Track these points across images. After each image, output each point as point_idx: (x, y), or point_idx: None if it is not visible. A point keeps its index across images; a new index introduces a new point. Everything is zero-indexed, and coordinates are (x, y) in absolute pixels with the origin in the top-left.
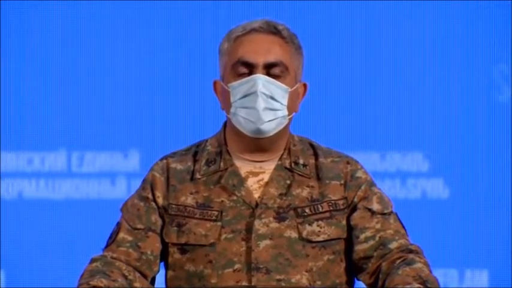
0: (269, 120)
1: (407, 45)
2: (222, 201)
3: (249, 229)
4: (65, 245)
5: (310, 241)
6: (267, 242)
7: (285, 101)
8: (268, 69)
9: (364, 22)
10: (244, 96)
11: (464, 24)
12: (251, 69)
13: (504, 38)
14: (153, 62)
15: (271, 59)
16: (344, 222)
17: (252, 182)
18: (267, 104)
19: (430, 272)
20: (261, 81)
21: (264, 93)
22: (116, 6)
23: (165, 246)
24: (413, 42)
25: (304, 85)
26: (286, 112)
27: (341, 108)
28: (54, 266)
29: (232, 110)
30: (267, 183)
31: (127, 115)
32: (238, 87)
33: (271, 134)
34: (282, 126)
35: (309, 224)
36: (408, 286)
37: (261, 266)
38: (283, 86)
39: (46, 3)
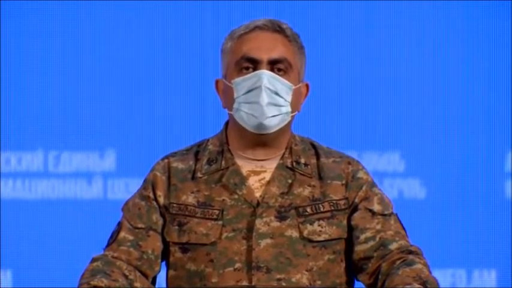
0: (272, 116)
1: (387, 45)
2: (223, 200)
3: (250, 228)
4: (41, 245)
5: (311, 240)
6: (268, 241)
7: (289, 98)
8: (273, 65)
9: (362, 22)
10: (248, 91)
11: (438, 26)
12: (255, 65)
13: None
14: (132, 62)
15: (275, 55)
16: (345, 222)
17: (253, 181)
18: (271, 99)
19: (430, 272)
20: (266, 76)
21: (269, 88)
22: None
23: (166, 245)
24: (395, 42)
25: (307, 85)
26: (289, 109)
27: (316, 107)
28: (31, 266)
29: (235, 105)
30: (268, 182)
31: (103, 115)
32: (242, 83)
33: (274, 130)
34: (284, 123)
35: (310, 224)
36: (408, 286)
37: (262, 265)
38: (288, 82)
39: (46, 3)
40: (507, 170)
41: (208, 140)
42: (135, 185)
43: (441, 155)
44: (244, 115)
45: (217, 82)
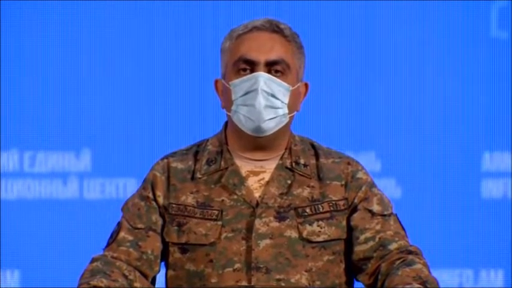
0: (269, 119)
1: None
2: (223, 200)
3: (250, 228)
4: (16, 245)
5: (310, 241)
6: (267, 241)
7: (286, 99)
8: (270, 67)
9: (361, 22)
10: (246, 93)
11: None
12: (253, 66)
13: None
14: (105, 62)
15: (273, 56)
16: (344, 223)
17: (252, 181)
18: (267, 101)
19: (430, 272)
20: (263, 78)
21: (265, 91)
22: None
23: (165, 245)
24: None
25: (306, 85)
26: (286, 110)
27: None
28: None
29: (233, 107)
30: (267, 183)
31: (78, 115)
32: (239, 85)
33: (271, 132)
34: (282, 125)
35: (309, 224)
36: (408, 286)
37: (261, 266)
38: (285, 84)
39: (46, 3)
40: (483, 169)
41: (207, 140)
42: (110, 185)
43: (416, 155)
44: (242, 118)
45: (216, 82)
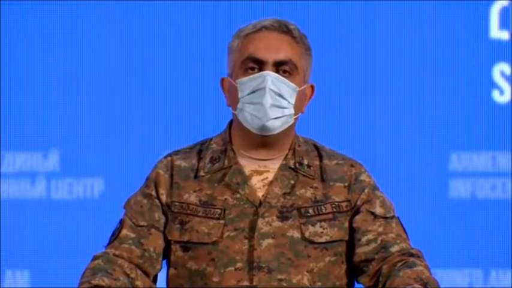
0: (275, 118)
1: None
2: (226, 199)
3: (252, 227)
4: None
5: (312, 242)
6: (270, 241)
7: (293, 100)
8: (278, 66)
9: (362, 22)
10: (253, 92)
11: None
12: (261, 66)
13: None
14: (78, 62)
15: (281, 56)
16: (346, 224)
17: (256, 181)
18: (274, 101)
19: (431, 274)
20: (271, 78)
21: (273, 90)
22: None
23: (167, 243)
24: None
25: (312, 87)
26: (292, 111)
27: None
28: None
29: (239, 105)
30: (271, 182)
31: (46, 115)
32: (246, 83)
33: (277, 131)
34: (287, 125)
35: (312, 225)
36: (409, 287)
37: (263, 265)
38: (292, 84)
39: (46, 3)
40: (451, 169)
41: (211, 139)
42: (78, 185)
43: (384, 155)
44: (248, 116)
45: (222, 80)
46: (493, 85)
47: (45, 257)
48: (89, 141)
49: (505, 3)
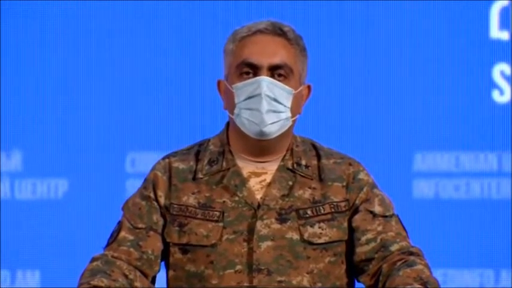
0: (272, 123)
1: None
2: (224, 201)
3: (251, 230)
4: None
5: (311, 243)
6: (269, 243)
7: (289, 103)
8: (273, 71)
9: (362, 22)
10: (249, 97)
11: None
12: (255, 70)
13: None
14: (46, 61)
15: (276, 61)
16: (345, 224)
17: (254, 183)
18: (270, 106)
19: (431, 273)
20: (266, 83)
21: (268, 96)
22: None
23: (166, 246)
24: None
25: (308, 87)
26: (289, 114)
27: None
28: None
29: (236, 111)
30: (269, 184)
31: (9, 115)
32: (242, 88)
33: (274, 136)
34: (285, 129)
35: (311, 226)
36: (409, 287)
37: (263, 268)
38: (288, 88)
39: (46, 3)
40: (415, 170)
41: (209, 140)
42: (42, 185)
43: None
44: (246, 121)
45: (219, 83)
46: (493, 85)
47: (10, 257)
48: (51, 140)
49: (505, 3)
